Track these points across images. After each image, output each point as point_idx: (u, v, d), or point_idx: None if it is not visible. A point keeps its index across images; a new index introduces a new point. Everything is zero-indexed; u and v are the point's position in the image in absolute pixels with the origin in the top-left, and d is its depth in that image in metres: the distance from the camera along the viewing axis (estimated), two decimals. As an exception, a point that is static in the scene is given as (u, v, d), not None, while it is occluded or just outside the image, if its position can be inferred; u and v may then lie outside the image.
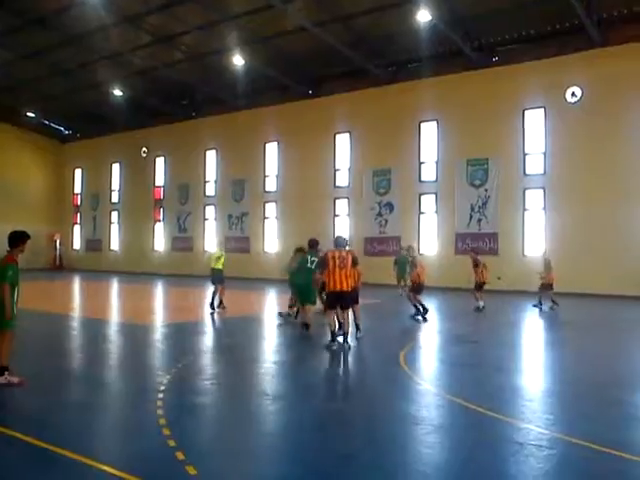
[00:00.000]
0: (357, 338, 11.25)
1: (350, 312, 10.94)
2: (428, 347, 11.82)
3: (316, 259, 12.23)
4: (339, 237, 11.18)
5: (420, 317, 14.55)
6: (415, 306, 14.71)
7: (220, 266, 16.22)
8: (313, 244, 12.79)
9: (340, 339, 10.55)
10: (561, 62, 22.92)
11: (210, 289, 16.78)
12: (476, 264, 17.18)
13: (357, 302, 11.54)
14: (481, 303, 16.77)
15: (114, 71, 31.68)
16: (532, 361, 10.63)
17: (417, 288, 14.95)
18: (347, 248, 11.42)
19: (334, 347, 10.34)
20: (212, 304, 15.87)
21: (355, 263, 10.72)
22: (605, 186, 22.03)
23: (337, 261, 10.40)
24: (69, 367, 9.24)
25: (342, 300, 10.60)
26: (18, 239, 7.47)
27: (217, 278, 16.16)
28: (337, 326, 10.72)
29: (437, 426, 6.20)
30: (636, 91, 21.68)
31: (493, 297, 18.46)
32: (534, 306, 17.56)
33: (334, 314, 10.74)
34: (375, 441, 5.74)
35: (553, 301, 17.53)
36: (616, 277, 21.45)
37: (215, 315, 15.43)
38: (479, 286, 17.07)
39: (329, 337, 10.61)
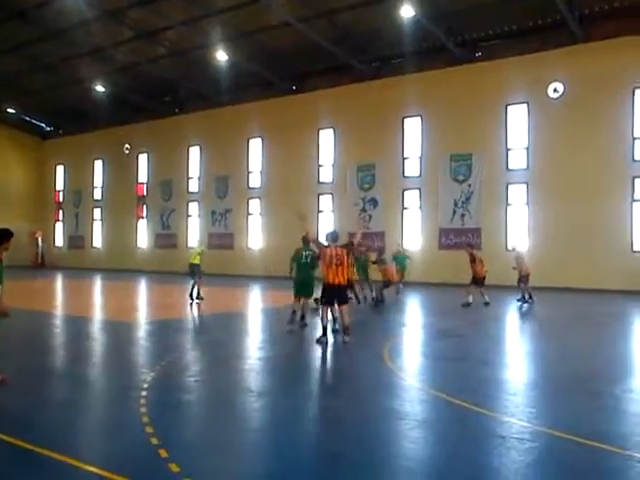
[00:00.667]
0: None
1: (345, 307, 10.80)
2: (412, 342, 11.86)
3: (310, 253, 12.44)
4: (331, 232, 11.25)
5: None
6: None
7: (197, 261, 17.96)
8: (306, 240, 12.68)
9: (330, 335, 10.60)
10: (543, 58, 23.08)
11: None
12: (473, 259, 17.13)
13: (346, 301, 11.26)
14: (470, 298, 16.55)
15: (96, 67, 31.43)
16: (515, 355, 10.70)
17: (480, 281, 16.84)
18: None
19: (324, 341, 10.35)
20: (191, 295, 17.50)
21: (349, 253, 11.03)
22: (587, 181, 22.23)
23: (334, 259, 10.40)
24: (52, 365, 9.17)
25: (337, 295, 10.59)
26: (2, 237, 7.26)
27: (193, 271, 17.78)
28: (328, 321, 10.73)
29: (421, 421, 6.22)
30: (617, 86, 21.89)
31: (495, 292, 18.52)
32: (518, 300, 17.70)
33: (327, 309, 10.73)
34: (359, 437, 5.75)
35: (529, 295, 17.75)
36: (598, 271, 21.69)
37: (194, 306, 16.43)
38: (478, 281, 16.98)
39: (320, 331, 10.61)
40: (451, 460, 5.13)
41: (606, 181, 22.06)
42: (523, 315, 16.31)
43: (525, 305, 17.48)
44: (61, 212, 43.42)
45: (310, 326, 12.21)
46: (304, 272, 12.42)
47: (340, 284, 10.53)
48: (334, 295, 10.58)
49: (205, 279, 19.87)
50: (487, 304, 16.59)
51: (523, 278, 17.94)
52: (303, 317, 12.50)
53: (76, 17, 25.75)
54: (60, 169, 43.49)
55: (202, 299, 17.61)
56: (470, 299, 16.60)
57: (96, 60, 30.77)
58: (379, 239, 26.72)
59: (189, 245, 34.76)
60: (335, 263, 10.40)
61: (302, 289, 12.42)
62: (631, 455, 5.10)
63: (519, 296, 17.92)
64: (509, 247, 19.59)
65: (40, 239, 42.81)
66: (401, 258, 21.85)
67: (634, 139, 21.99)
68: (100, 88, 32.94)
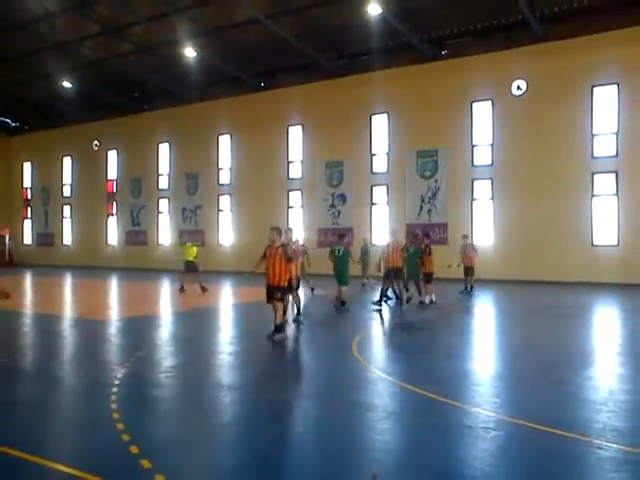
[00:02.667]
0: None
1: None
2: (380, 335, 12.05)
3: (341, 248, 15.16)
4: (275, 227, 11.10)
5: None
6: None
7: (193, 257, 19.57)
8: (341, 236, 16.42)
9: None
10: (507, 56, 23.46)
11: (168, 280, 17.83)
12: (429, 252, 16.48)
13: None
14: (428, 298, 16.02)
15: (63, 62, 31.00)
16: (481, 347, 10.93)
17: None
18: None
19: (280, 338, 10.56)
20: (200, 287, 19.06)
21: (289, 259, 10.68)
22: (549, 177, 22.67)
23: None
24: (21, 363, 9.12)
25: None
26: None
27: (193, 267, 19.44)
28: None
29: (389, 412, 6.37)
30: (577, 85, 22.37)
31: (443, 285, 18.82)
32: (460, 292, 18.39)
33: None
34: (327, 429, 5.89)
35: (470, 287, 18.49)
36: (560, 264, 22.18)
37: (179, 301, 17.45)
38: (428, 277, 16.34)
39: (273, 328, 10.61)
40: (418, 450, 5.29)
41: (567, 177, 22.52)
42: (488, 308, 16.62)
43: (466, 296, 18.08)
44: (29, 209, 42.77)
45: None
46: (340, 263, 14.98)
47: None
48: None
49: (178, 276, 20.06)
50: (424, 303, 15.99)
51: (470, 270, 18.52)
52: (343, 303, 14.76)
53: (39, 10, 25.37)
54: (27, 166, 42.81)
55: (206, 290, 19.14)
56: (428, 298, 16.08)
57: (62, 55, 30.34)
58: (349, 235, 26.91)
59: (160, 242, 34.65)
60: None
61: (340, 278, 14.95)
62: (591, 441, 5.29)
63: (462, 288, 18.59)
64: (461, 236, 19.83)
65: (7, 237, 42.12)
66: (366, 251, 22.21)
67: (593, 136, 22.47)
68: (67, 84, 32.52)
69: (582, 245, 22.16)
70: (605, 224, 22.15)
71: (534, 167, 22.96)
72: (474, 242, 20.33)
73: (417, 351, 10.06)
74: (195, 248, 20.09)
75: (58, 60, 30.75)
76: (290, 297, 12.47)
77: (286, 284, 10.77)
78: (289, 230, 13.15)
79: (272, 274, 10.52)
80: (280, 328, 10.48)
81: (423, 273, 16.14)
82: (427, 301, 15.92)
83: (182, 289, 19.67)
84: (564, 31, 22.33)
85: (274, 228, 10.86)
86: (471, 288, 18.57)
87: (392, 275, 14.99)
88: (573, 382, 7.64)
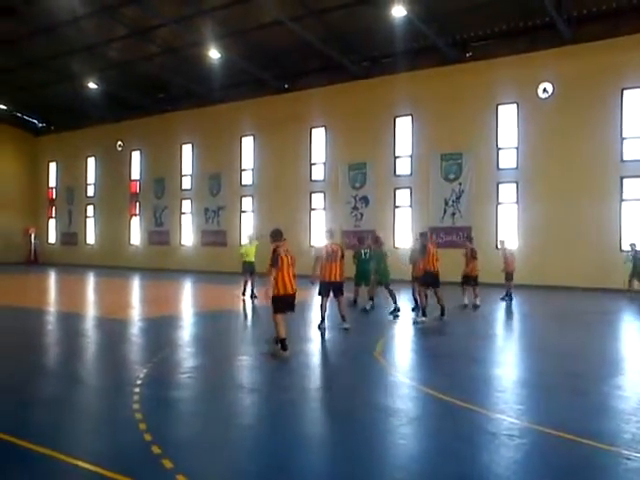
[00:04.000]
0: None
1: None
2: (403, 339, 11.96)
3: (367, 251, 16.03)
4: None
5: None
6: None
7: (253, 258, 18.43)
8: (361, 240, 17.19)
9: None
10: (533, 58, 23.18)
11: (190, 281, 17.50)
12: (474, 256, 16.64)
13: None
14: (479, 300, 16.33)
15: (89, 63, 31.31)
16: (505, 352, 10.82)
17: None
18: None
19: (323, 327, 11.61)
20: (244, 292, 18.12)
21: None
22: (576, 180, 22.36)
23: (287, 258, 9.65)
24: (44, 362, 9.22)
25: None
26: None
27: (249, 270, 18.18)
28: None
29: (412, 417, 6.32)
30: (606, 87, 22.02)
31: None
32: (502, 299, 17.97)
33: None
34: (350, 433, 5.84)
35: (508, 292, 18.03)
36: (587, 270, 21.83)
37: (247, 303, 17.30)
38: (474, 280, 16.56)
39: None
40: (441, 456, 5.22)
41: (595, 181, 22.20)
42: (512, 313, 16.44)
43: (505, 302, 17.72)
44: (54, 209, 43.25)
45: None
46: (363, 265, 15.84)
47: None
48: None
49: (201, 277, 20.01)
50: (475, 306, 16.33)
51: (509, 275, 18.17)
52: (355, 301, 15.79)
53: (68, 14, 25.66)
54: (53, 166, 43.31)
55: (256, 297, 17.47)
56: (478, 301, 16.36)
57: (89, 57, 30.66)
58: (367, 236, 26.77)
59: (182, 242, 34.84)
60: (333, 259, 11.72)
61: (361, 278, 15.93)
62: (620, 452, 5.18)
63: (503, 294, 18.18)
64: (498, 244, 19.63)
65: (33, 236, 42.68)
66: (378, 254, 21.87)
67: (622, 139, 22.12)
68: (93, 85, 32.83)
69: (610, 251, 21.71)
70: (634, 229, 21.73)
71: (560, 171, 22.68)
72: (510, 247, 19.78)
73: (440, 355, 9.97)
74: (255, 246, 18.81)
75: (85, 62, 31.10)
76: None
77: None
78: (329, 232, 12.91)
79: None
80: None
81: (469, 277, 16.58)
82: (478, 303, 16.28)
83: (245, 294, 18.19)
84: (592, 33, 22.00)
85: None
86: (509, 294, 18.15)
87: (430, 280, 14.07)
88: (601, 391, 7.50)
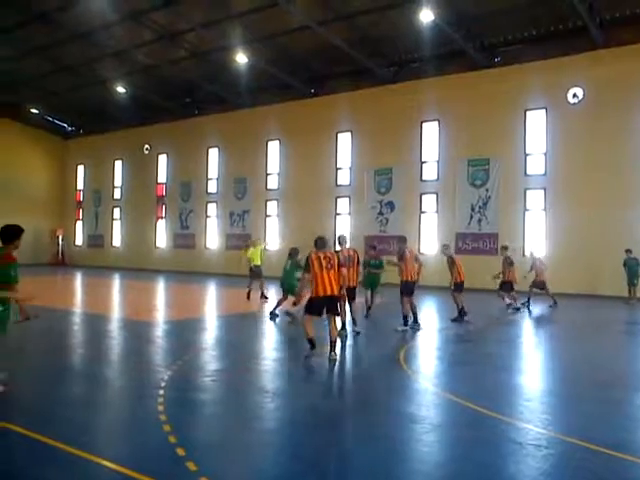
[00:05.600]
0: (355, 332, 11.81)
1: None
2: (426, 346, 11.87)
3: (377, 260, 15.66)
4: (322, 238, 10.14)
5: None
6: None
7: (260, 262, 19.49)
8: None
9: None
10: (563, 63, 22.92)
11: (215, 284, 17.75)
12: (511, 262, 17.17)
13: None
14: (518, 302, 17.12)
15: (118, 68, 31.71)
16: (530, 360, 10.68)
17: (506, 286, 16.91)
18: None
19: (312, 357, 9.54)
20: (263, 294, 18.94)
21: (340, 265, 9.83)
22: (606, 187, 22.04)
23: (323, 262, 9.49)
24: (71, 363, 9.32)
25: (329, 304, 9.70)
26: (12, 234, 6.76)
27: (256, 273, 19.22)
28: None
29: (436, 425, 6.26)
30: (637, 92, 21.70)
31: (490, 296, 18.48)
32: (522, 304, 17.64)
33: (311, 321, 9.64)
34: (374, 439, 5.79)
35: (511, 302, 17.62)
36: (617, 278, 21.40)
37: (265, 304, 17.59)
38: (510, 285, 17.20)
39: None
40: (467, 465, 5.15)
41: (626, 188, 21.83)
42: (541, 320, 16.24)
43: (521, 310, 17.37)
44: (81, 211, 43.82)
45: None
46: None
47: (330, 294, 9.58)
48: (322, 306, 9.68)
49: (224, 280, 20.17)
50: (517, 309, 16.92)
51: (540, 284, 17.98)
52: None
53: (98, 20, 26.00)
54: (81, 169, 43.87)
55: (267, 298, 18.65)
56: (515, 302, 17.00)
57: (118, 62, 31.05)
58: (395, 243, 26.73)
59: (207, 246, 35.03)
60: (325, 267, 9.51)
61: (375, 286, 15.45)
62: (649, 464, 5.07)
63: (551, 301, 18.13)
64: (526, 253, 19.35)
65: (61, 237, 43.26)
66: None
67: (655, 145, 21.78)
68: (121, 89, 33.23)
69: (638, 258, 21.38)
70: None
71: (590, 177, 22.35)
72: (538, 255, 19.63)
73: (465, 363, 9.87)
74: (260, 250, 20.17)
75: (113, 67, 31.50)
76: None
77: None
78: (342, 237, 13.24)
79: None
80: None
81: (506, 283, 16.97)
82: (519, 304, 16.98)
83: (264, 296, 19.01)
84: (624, 37, 21.64)
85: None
86: (528, 301, 18.00)
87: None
88: (632, 402, 7.37)
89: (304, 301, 9.96)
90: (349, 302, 12.17)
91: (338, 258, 9.84)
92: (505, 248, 17.98)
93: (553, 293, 18.13)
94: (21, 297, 6.87)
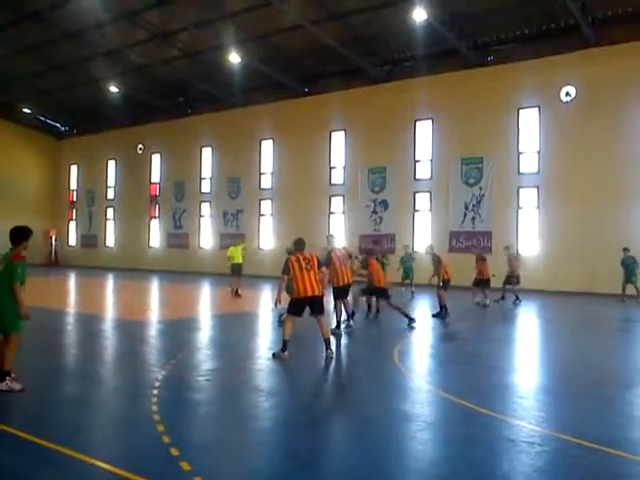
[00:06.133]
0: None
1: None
2: (420, 344, 11.88)
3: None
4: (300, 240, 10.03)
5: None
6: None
7: (241, 260, 20.54)
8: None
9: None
10: (556, 61, 23.00)
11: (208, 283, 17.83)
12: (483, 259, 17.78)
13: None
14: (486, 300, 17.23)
15: (110, 67, 31.66)
16: (523, 358, 10.70)
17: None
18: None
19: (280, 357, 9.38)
20: (235, 290, 19.94)
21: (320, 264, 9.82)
22: (599, 185, 22.13)
23: (303, 263, 9.52)
24: (64, 363, 9.29)
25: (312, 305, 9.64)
26: (21, 235, 7.16)
27: (237, 271, 20.24)
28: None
29: (430, 422, 6.27)
30: (630, 91, 21.79)
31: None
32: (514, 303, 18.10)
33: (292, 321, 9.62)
34: (368, 437, 5.79)
35: (515, 295, 18.37)
36: (610, 276, 21.48)
37: (219, 305, 18.02)
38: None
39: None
40: (460, 462, 5.16)
41: (618, 186, 21.92)
42: (532, 319, 16.30)
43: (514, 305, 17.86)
44: (74, 211, 43.71)
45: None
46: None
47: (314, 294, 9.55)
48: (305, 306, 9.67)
49: (218, 279, 20.24)
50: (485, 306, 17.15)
51: (513, 279, 18.45)
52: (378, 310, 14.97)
53: (91, 19, 25.94)
54: (74, 168, 43.78)
55: (239, 296, 19.68)
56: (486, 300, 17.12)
57: (111, 61, 30.98)
58: (389, 241, 26.77)
59: (201, 245, 34.99)
60: (305, 268, 9.50)
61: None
62: (642, 461, 5.09)
63: (512, 297, 18.43)
64: (511, 248, 19.42)
65: (54, 238, 43.13)
66: (405, 260, 22.03)
67: (647, 143, 21.87)
68: (114, 89, 33.16)
69: (635, 257, 21.41)
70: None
71: (583, 175, 22.44)
72: (517, 251, 20.16)
73: (458, 361, 9.89)
74: (241, 249, 21.17)
75: (106, 66, 31.44)
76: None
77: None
78: (331, 237, 13.75)
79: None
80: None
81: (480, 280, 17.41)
82: (488, 302, 17.13)
83: (237, 293, 20.08)
84: (617, 35, 21.72)
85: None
86: (516, 297, 18.32)
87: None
88: (623, 399, 7.39)
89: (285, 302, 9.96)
90: (338, 301, 12.26)
91: (318, 259, 9.82)
92: (507, 248, 18.95)
93: (546, 290, 18.31)
94: (24, 298, 7.03)
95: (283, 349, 9.35)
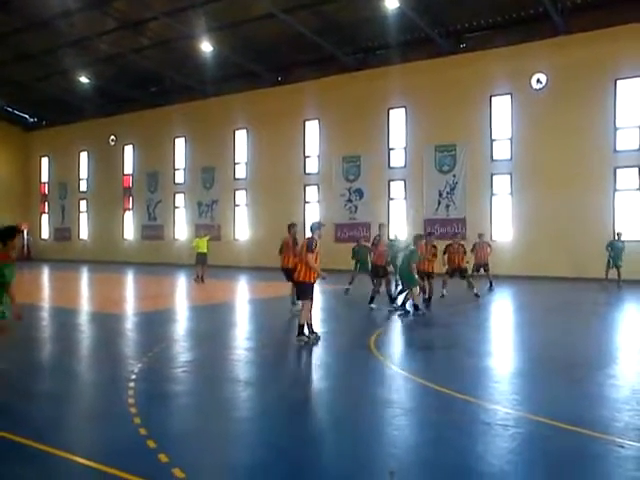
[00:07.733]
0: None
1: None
2: (397, 331, 11.97)
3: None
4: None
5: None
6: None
7: (206, 249, 21.79)
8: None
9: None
10: (526, 49, 23.17)
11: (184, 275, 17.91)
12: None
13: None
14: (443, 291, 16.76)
15: (80, 57, 31.17)
16: (499, 343, 10.84)
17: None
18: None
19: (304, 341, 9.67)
20: (202, 278, 21.25)
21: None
22: (571, 171, 22.39)
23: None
24: (39, 358, 9.19)
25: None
26: (7, 235, 6.88)
27: (204, 259, 21.65)
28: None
29: (407, 409, 6.33)
30: (599, 77, 22.04)
31: (462, 282, 18.67)
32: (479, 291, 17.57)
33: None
34: (346, 424, 5.86)
35: (489, 282, 18.49)
36: (581, 260, 21.87)
37: (196, 296, 18.11)
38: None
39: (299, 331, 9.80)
40: (437, 447, 5.25)
41: (589, 172, 22.22)
42: (506, 305, 16.49)
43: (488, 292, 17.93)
44: (47, 204, 43.10)
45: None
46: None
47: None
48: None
49: (194, 271, 20.30)
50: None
51: (485, 266, 18.47)
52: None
53: (59, 7, 25.52)
54: (45, 161, 43.13)
55: (203, 282, 20.98)
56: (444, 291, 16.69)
57: (80, 51, 30.51)
58: (365, 229, 26.82)
59: (176, 237, 34.76)
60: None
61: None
62: (612, 440, 5.22)
63: (487, 285, 18.45)
64: (483, 236, 19.47)
65: (26, 231, 42.44)
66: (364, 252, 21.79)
67: (616, 129, 22.16)
68: (84, 79, 32.68)
69: (604, 241, 21.70)
70: (628, 219, 21.78)
71: (554, 162, 22.69)
72: (486, 238, 20.05)
73: (435, 347, 10.00)
74: (206, 240, 22.29)
75: (76, 56, 30.94)
76: None
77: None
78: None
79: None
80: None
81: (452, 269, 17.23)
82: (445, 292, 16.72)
83: (202, 280, 21.22)
84: (586, 23, 21.93)
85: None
86: (490, 284, 18.44)
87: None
88: (594, 380, 7.54)
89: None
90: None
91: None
92: (481, 235, 19.13)
93: (520, 275, 18.45)
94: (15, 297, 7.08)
95: (311, 333, 9.80)
